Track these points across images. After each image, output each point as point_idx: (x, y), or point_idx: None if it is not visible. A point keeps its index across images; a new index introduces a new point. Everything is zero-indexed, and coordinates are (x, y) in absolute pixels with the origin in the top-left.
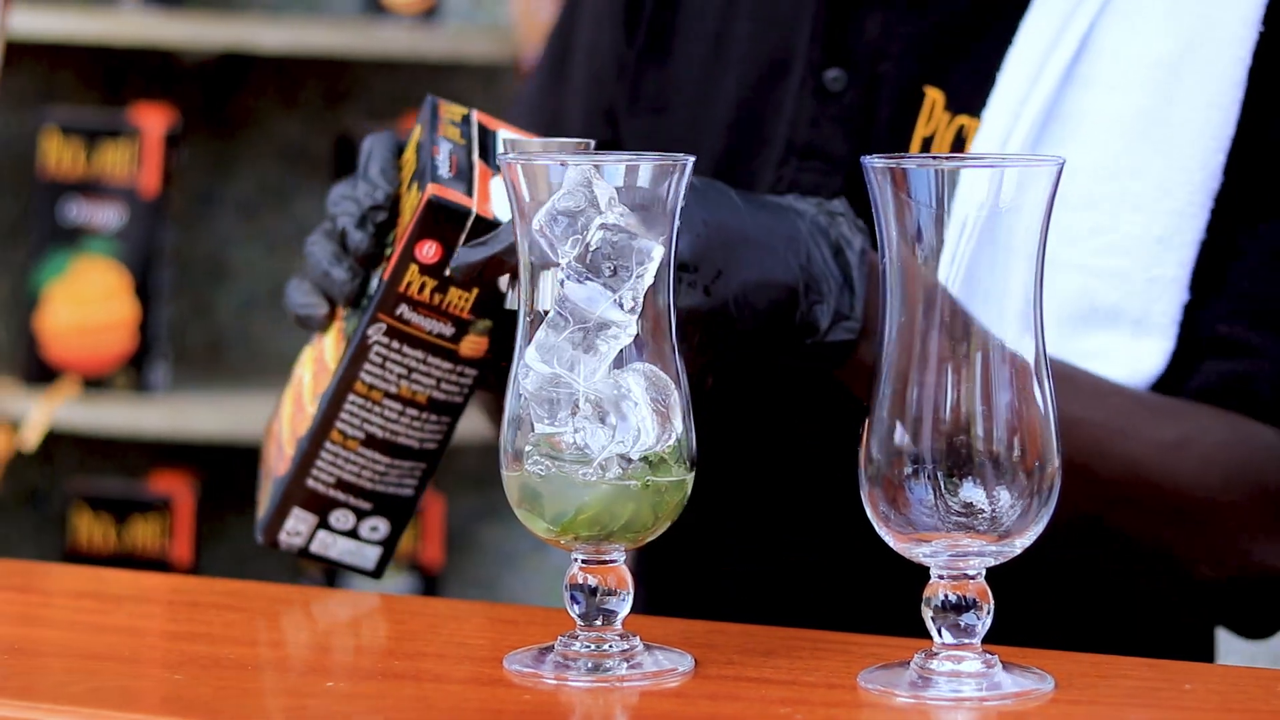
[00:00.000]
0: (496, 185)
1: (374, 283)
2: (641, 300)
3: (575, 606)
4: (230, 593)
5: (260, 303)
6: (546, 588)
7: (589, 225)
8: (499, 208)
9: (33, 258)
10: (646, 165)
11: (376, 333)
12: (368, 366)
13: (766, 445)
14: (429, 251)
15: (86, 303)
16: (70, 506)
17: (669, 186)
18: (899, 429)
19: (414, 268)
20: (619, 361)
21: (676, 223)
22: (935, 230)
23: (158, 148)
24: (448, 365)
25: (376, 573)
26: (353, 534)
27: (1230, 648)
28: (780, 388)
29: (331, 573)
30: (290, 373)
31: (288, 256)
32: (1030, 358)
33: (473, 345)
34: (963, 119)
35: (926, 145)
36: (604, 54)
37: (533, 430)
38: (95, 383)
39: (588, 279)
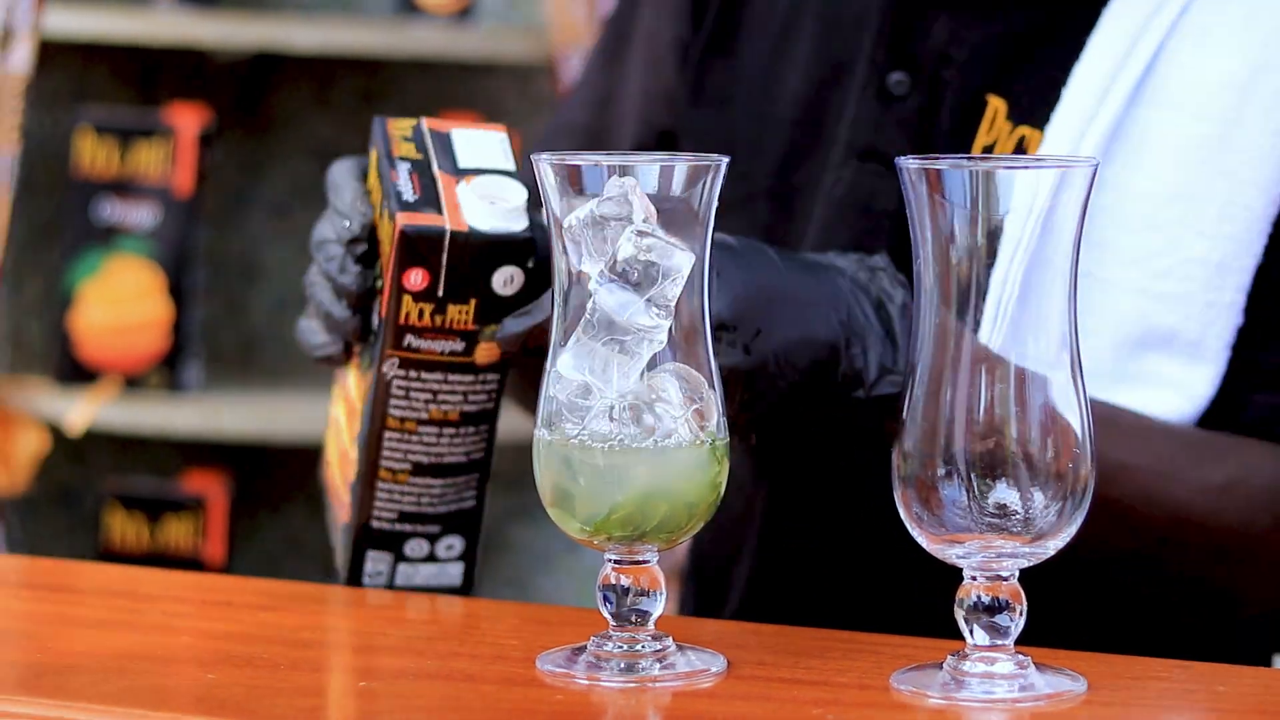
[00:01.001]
0: (463, 191)
1: (374, 317)
2: (674, 306)
3: (608, 607)
4: (263, 592)
5: (293, 302)
6: (579, 588)
7: (622, 231)
8: (470, 213)
9: (66, 257)
10: (681, 166)
11: (391, 368)
12: (393, 402)
13: (790, 450)
14: (416, 280)
15: (120, 302)
16: (103, 506)
17: (703, 188)
18: (932, 430)
19: (407, 298)
20: (651, 363)
21: (711, 225)
22: (970, 232)
23: (191, 147)
24: (469, 378)
25: (465, 588)
26: (431, 558)
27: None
28: (828, 437)
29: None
30: (323, 370)
31: None
32: (1065, 359)
33: (487, 352)
34: (1024, 129)
35: (988, 154)
36: (664, 40)
37: (566, 432)
38: (128, 382)
39: (620, 285)
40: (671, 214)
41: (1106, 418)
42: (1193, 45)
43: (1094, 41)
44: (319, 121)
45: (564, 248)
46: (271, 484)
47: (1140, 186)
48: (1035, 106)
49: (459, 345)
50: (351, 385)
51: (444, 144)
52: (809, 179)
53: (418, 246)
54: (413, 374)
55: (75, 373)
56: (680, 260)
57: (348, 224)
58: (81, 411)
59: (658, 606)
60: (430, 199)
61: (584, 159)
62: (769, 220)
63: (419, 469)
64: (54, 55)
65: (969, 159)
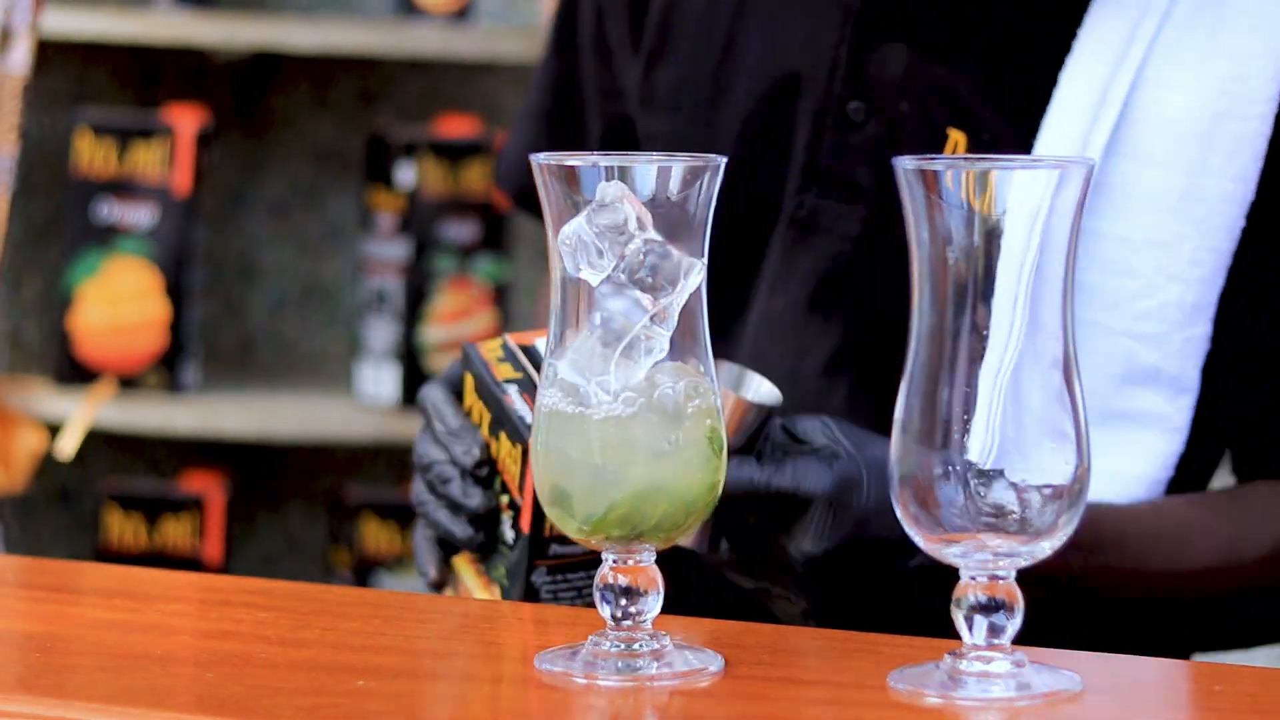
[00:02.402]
0: None
1: (506, 530)
2: (677, 313)
3: (606, 606)
4: (261, 591)
5: (291, 302)
6: None
7: (626, 239)
8: None
9: (65, 257)
10: (678, 167)
11: (539, 577)
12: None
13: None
14: None
15: (118, 302)
16: (102, 506)
17: (700, 188)
18: (929, 430)
19: None
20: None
21: (709, 229)
22: (966, 231)
23: (190, 147)
24: None
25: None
26: None
27: (1261, 650)
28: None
29: (362, 573)
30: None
31: (319, 256)
32: (1061, 359)
33: None
34: None
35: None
36: (614, 39)
37: (564, 433)
38: (127, 382)
39: (623, 291)
40: (669, 215)
41: (1146, 532)
42: (1156, 95)
43: (1063, 90)
44: (318, 122)
45: (559, 254)
46: (270, 484)
47: (1116, 233)
48: (997, 143)
49: None
50: (473, 589)
51: (535, 358)
52: (759, 199)
53: None
54: (560, 577)
55: (74, 373)
56: (683, 266)
57: (467, 450)
58: (73, 430)
59: (655, 606)
60: None
61: (582, 159)
62: (718, 228)
63: None
64: (53, 55)
65: (965, 159)
